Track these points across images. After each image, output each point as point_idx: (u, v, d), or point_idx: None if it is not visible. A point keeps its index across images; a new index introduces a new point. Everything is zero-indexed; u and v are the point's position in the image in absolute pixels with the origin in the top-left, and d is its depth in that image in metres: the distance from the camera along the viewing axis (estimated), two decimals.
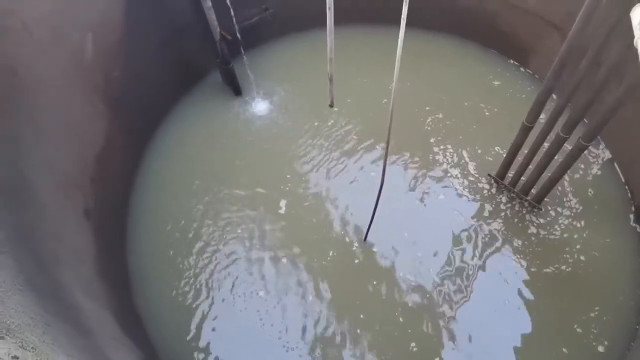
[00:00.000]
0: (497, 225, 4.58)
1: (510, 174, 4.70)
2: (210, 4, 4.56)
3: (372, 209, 3.91)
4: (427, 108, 5.56)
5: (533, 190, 4.56)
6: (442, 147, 5.22)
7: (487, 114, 5.47)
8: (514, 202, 4.71)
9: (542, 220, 4.58)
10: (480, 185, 4.87)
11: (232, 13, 5.00)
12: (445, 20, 6.06)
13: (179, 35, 5.15)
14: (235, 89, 5.66)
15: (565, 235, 4.48)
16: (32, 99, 3.37)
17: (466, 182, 4.89)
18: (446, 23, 6.10)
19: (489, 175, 4.86)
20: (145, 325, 4.10)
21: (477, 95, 5.66)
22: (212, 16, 4.68)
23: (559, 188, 4.76)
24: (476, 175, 4.94)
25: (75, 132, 3.96)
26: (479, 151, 5.15)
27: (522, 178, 4.56)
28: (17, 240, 2.54)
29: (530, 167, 4.36)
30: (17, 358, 1.37)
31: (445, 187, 4.90)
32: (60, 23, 3.74)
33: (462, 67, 5.98)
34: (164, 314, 4.17)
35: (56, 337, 1.98)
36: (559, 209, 4.65)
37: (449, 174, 4.98)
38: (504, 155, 4.51)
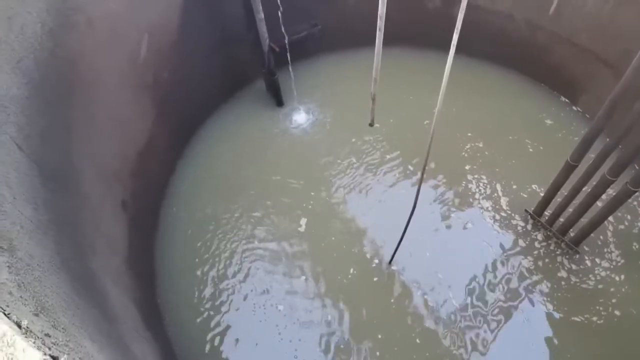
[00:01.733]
0: (527, 262, 4.43)
1: (548, 212, 4.55)
2: (262, 16, 4.70)
3: (397, 230, 3.87)
4: (469, 134, 5.49)
5: (571, 232, 4.39)
6: (476, 176, 5.12)
7: (530, 150, 5.32)
8: (549, 242, 4.54)
9: (574, 266, 4.38)
10: (514, 221, 4.72)
11: (283, 26, 5.13)
12: (496, 50, 6.00)
13: (229, 43, 5.32)
14: (278, 99, 5.77)
15: (600, 287, 4.26)
16: (88, 93, 3.55)
17: (497, 216, 4.77)
18: (496, 53, 6.03)
19: (525, 210, 4.72)
20: (164, 321, 4.17)
21: (524, 130, 5.51)
22: (263, 28, 4.82)
23: (601, 237, 4.55)
24: (508, 211, 4.80)
25: (121, 128, 4.13)
26: (514, 186, 5.01)
27: (560, 219, 4.41)
28: (59, 223, 2.66)
29: (570, 207, 4.21)
30: (49, 336, 1.42)
31: (474, 216, 4.79)
32: (121, 22, 3.94)
33: (511, 100, 5.86)
34: (184, 313, 4.23)
35: (84, 320, 2.04)
36: (597, 260, 4.41)
37: (479, 205, 4.87)
38: (541, 194, 4.38)
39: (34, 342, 1.26)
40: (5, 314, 1.31)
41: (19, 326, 1.30)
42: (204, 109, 5.72)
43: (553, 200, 4.33)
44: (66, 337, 1.59)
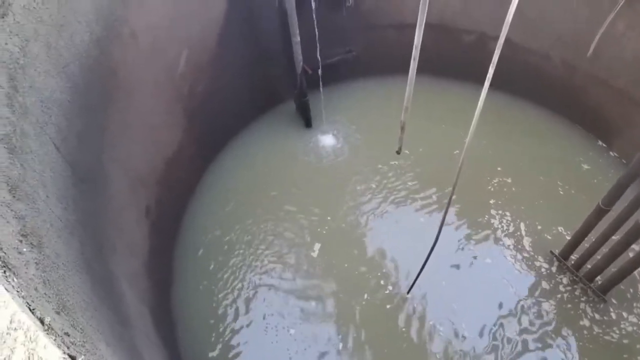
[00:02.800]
0: (548, 306, 4.27)
1: (575, 257, 4.41)
2: (298, 39, 4.81)
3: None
4: (498, 168, 5.41)
5: (598, 280, 4.23)
6: (500, 211, 5.02)
7: (560, 192, 5.17)
8: (575, 286, 4.38)
9: (598, 316, 4.19)
10: (537, 262, 4.58)
11: (318, 50, 5.22)
12: (531, 88, 5.94)
13: (264, 62, 5.45)
14: (307, 120, 5.84)
15: (625, 342, 4.04)
16: (125, 100, 3.67)
17: (519, 255, 4.63)
18: (531, 91, 5.97)
19: (551, 252, 4.59)
20: (176, 329, 4.17)
21: (557, 171, 5.36)
22: (298, 50, 4.92)
23: (631, 290, 4.35)
24: (531, 251, 4.66)
25: (153, 136, 4.24)
26: (539, 227, 4.87)
27: (588, 265, 4.25)
28: (85, 224, 2.72)
29: (598, 254, 4.07)
30: (68, 335, 1.45)
31: (495, 252, 4.68)
32: (163, 36, 4.09)
33: (545, 139, 5.73)
34: (196, 323, 4.23)
35: (100, 322, 2.07)
36: (624, 314, 4.20)
37: (501, 241, 4.76)
38: (567, 237, 4.25)
39: (55, 340, 1.28)
40: (30, 309, 1.34)
41: (42, 322, 1.33)
42: (234, 124, 5.83)
43: (581, 244, 4.19)
44: (83, 337, 1.61)
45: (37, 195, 2.19)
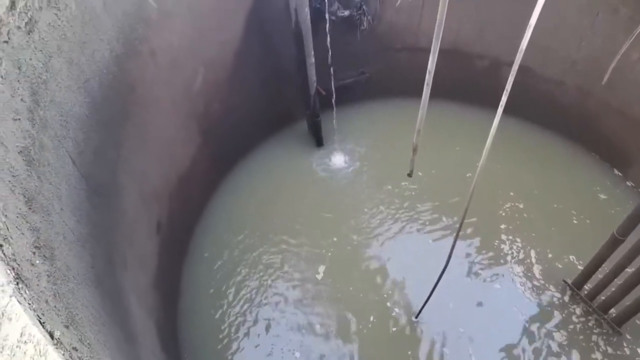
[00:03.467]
0: (559, 336, 4.16)
1: (588, 286, 4.31)
2: (313, 60, 4.88)
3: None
4: (511, 193, 5.35)
5: (613, 312, 4.12)
6: (510, 237, 4.95)
7: (574, 221, 5.07)
8: (589, 317, 4.27)
9: (611, 350, 4.06)
10: (548, 291, 4.48)
11: (331, 72, 5.29)
12: (545, 114, 5.91)
13: (279, 83, 5.53)
14: (318, 140, 5.88)
15: None
16: (142, 116, 3.74)
17: (529, 283, 4.55)
18: (545, 117, 5.93)
19: (564, 281, 4.50)
20: (180, 347, 4.14)
21: (572, 200, 5.25)
22: (312, 71, 4.99)
23: None
24: (541, 280, 4.57)
25: (167, 151, 4.30)
26: (550, 255, 4.78)
27: (602, 296, 4.15)
28: (97, 237, 2.75)
29: (613, 285, 3.98)
30: (76, 350, 1.45)
31: (504, 278, 4.61)
32: (181, 55, 4.19)
33: (561, 166, 5.64)
34: (201, 341, 4.20)
35: (108, 338, 2.07)
36: None
37: (510, 268, 4.68)
38: (579, 267, 4.17)
39: (63, 355, 1.28)
40: (40, 322, 1.35)
41: (52, 336, 1.33)
42: (247, 142, 5.88)
43: (595, 274, 4.11)
44: (90, 352, 1.61)
45: (52, 208, 2.22)
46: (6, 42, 2.19)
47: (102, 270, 2.71)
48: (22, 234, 1.77)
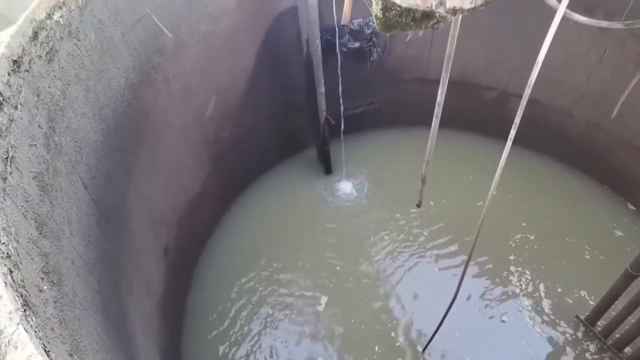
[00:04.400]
0: None
1: (602, 323, 4.20)
2: (323, 90, 4.96)
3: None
4: (523, 224, 5.28)
5: (628, 350, 3.99)
6: (519, 269, 4.86)
7: (587, 256, 4.95)
8: (603, 355, 4.14)
9: None
10: (559, 327, 4.37)
11: (341, 101, 5.36)
12: (555, 145, 5.88)
13: (289, 110, 5.61)
14: (327, 167, 5.91)
15: None
16: (154, 142, 3.80)
17: (539, 317, 4.44)
18: (556, 148, 5.90)
19: (577, 317, 4.38)
20: None
21: (586, 235, 5.12)
22: (322, 101, 5.07)
23: None
24: (551, 315, 4.46)
25: (177, 177, 4.34)
26: (559, 289, 4.68)
27: (616, 333, 4.04)
28: (105, 262, 2.75)
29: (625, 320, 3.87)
30: None
31: (512, 311, 4.52)
32: (194, 83, 4.28)
33: (573, 199, 5.53)
34: None
35: None
36: None
37: (519, 301, 4.58)
38: (591, 302, 4.07)
39: None
40: (45, 351, 1.35)
41: None
42: (256, 168, 5.93)
43: (609, 310, 4.00)
44: None
45: (62, 233, 2.24)
46: (27, 70, 2.27)
47: (108, 295, 2.70)
48: (32, 259, 1.78)
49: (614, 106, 4.54)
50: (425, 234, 5.25)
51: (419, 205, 3.30)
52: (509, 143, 2.36)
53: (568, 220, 5.30)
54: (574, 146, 5.74)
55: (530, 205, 5.50)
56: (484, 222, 2.77)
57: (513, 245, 5.10)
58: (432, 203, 5.52)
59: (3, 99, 2.03)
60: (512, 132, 2.34)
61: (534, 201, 5.55)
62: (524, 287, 4.71)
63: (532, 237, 5.16)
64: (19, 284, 1.55)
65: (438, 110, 2.82)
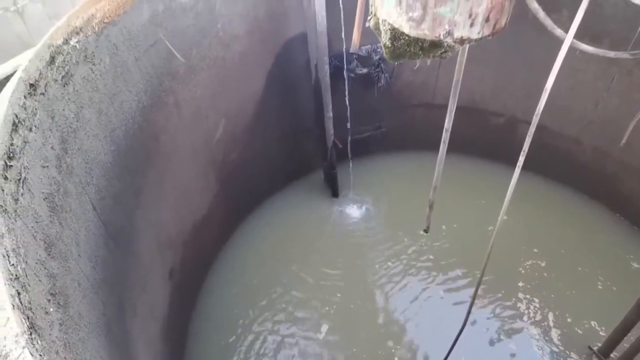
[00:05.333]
0: None
1: (615, 355, 4.08)
2: (331, 114, 5.01)
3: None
4: (534, 250, 5.20)
5: None
6: (528, 296, 4.77)
7: (599, 287, 4.84)
8: None
9: None
10: (570, 358, 4.25)
11: (349, 125, 5.40)
12: (564, 171, 5.84)
13: (297, 134, 5.66)
14: (334, 191, 5.92)
15: None
16: (163, 164, 3.84)
17: (547, 348, 4.33)
18: (565, 174, 5.86)
19: (589, 348, 4.27)
20: None
21: (600, 265, 5.01)
22: (329, 125, 5.11)
23: None
24: (560, 345, 4.34)
25: (186, 198, 4.37)
26: (569, 319, 4.57)
27: None
28: (110, 283, 2.75)
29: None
30: None
31: (521, 341, 4.41)
32: (204, 106, 4.35)
33: (586, 227, 5.45)
34: None
35: None
36: None
37: (527, 330, 4.48)
38: (602, 333, 3.97)
39: None
40: None
41: None
42: (263, 190, 5.94)
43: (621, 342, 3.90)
44: None
45: (70, 254, 2.25)
46: (43, 93, 2.32)
47: (112, 317, 2.68)
48: (40, 280, 1.78)
49: (623, 134, 4.52)
50: (433, 258, 5.19)
51: (426, 231, 3.28)
52: (518, 170, 2.36)
53: (580, 249, 5.21)
54: (583, 173, 5.71)
55: (541, 231, 5.42)
56: (493, 248, 2.74)
57: (523, 271, 5.03)
58: (441, 228, 5.48)
59: (19, 121, 2.07)
60: (521, 159, 2.34)
61: (545, 227, 5.47)
62: (532, 314, 4.61)
63: (542, 264, 5.09)
64: (26, 306, 1.55)
65: (446, 136, 2.83)
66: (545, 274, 5.00)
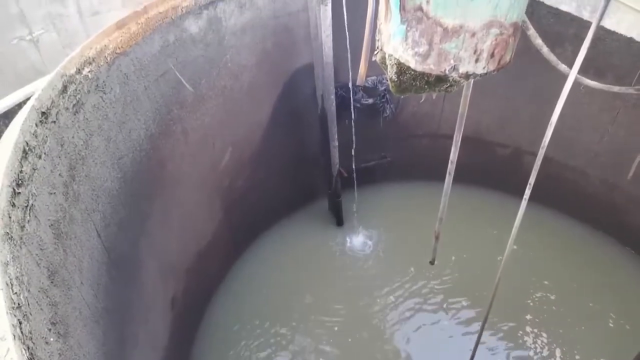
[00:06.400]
0: None
1: None
2: (336, 143, 5.05)
3: None
4: (545, 282, 5.10)
5: None
6: (535, 330, 4.65)
7: (610, 324, 4.72)
8: None
9: None
10: None
11: (354, 155, 5.42)
12: (572, 203, 5.78)
13: (302, 162, 5.69)
14: (339, 219, 5.89)
15: None
16: (169, 191, 3.86)
17: None
18: (573, 207, 5.79)
19: None
20: None
21: (613, 302, 4.88)
22: (335, 154, 5.14)
23: None
24: None
25: (190, 225, 4.36)
26: (577, 357, 4.44)
27: None
28: (112, 312, 2.72)
29: None
30: None
31: None
32: (211, 134, 4.40)
33: (597, 261, 5.32)
34: None
35: None
36: None
37: None
38: None
39: None
40: None
41: None
42: (268, 218, 5.93)
43: None
44: None
45: (73, 281, 2.23)
46: (54, 122, 2.36)
47: (112, 347, 2.64)
48: (41, 309, 1.77)
49: (630, 166, 4.51)
50: (439, 289, 5.11)
51: (432, 263, 3.24)
52: (524, 203, 2.35)
53: (591, 283, 5.09)
54: (591, 205, 5.65)
55: (552, 263, 5.32)
56: (503, 279, 2.70)
57: (531, 304, 4.92)
58: (449, 258, 5.41)
59: (29, 149, 2.10)
60: (527, 192, 2.33)
61: (556, 260, 5.37)
62: (539, 350, 4.49)
63: (552, 297, 4.98)
64: (27, 336, 1.53)
65: (451, 168, 2.84)
66: (554, 308, 4.89)
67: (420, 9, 1.58)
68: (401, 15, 1.63)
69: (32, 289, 1.76)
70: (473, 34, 1.59)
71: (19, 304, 1.58)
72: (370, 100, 5.17)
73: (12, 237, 1.78)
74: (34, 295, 1.77)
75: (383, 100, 5.26)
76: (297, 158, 5.62)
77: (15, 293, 1.60)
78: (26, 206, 1.96)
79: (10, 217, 1.81)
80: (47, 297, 1.87)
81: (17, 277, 1.66)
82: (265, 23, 4.36)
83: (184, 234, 4.28)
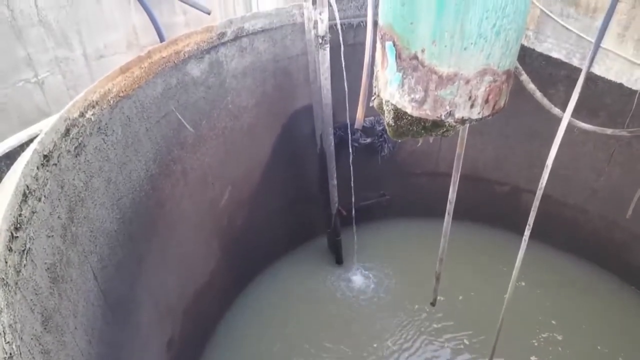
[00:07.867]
0: None
1: None
2: (335, 182, 5.07)
3: None
4: (553, 322, 5.00)
5: None
6: None
7: None
8: None
9: None
10: None
11: (352, 193, 5.44)
12: (572, 241, 5.75)
13: (301, 201, 5.69)
14: (338, 258, 5.84)
15: None
16: (168, 230, 3.84)
17: None
18: (573, 244, 5.76)
19: None
20: None
21: (622, 345, 4.75)
22: (334, 193, 5.16)
23: None
24: None
25: (187, 266, 4.31)
26: None
27: None
28: (106, 357, 2.64)
29: None
30: None
31: None
32: (211, 174, 4.42)
33: (600, 300, 5.25)
34: None
35: None
36: None
37: None
38: None
39: None
40: None
41: None
42: (266, 257, 5.87)
43: None
44: None
45: (67, 327, 2.18)
46: (55, 164, 2.38)
47: None
48: (33, 358, 1.72)
49: (628, 203, 4.53)
50: (441, 328, 4.99)
51: (433, 304, 3.18)
52: (524, 244, 2.34)
53: (599, 325, 4.97)
54: (591, 242, 5.63)
55: (559, 302, 5.23)
56: (508, 318, 2.65)
57: (537, 344, 4.80)
58: (450, 297, 5.31)
59: (29, 192, 2.11)
60: (527, 233, 2.33)
61: (562, 299, 5.28)
62: None
63: (559, 338, 4.85)
64: None
65: (450, 208, 2.84)
66: (560, 349, 4.77)
67: (416, 57, 1.63)
68: (397, 63, 1.68)
69: (24, 336, 1.72)
70: (467, 81, 1.64)
71: (10, 354, 1.54)
72: (369, 140, 5.25)
73: (7, 282, 1.76)
74: (27, 343, 1.73)
75: (381, 139, 5.34)
76: (296, 197, 5.63)
77: (8, 342, 1.56)
78: (23, 250, 1.94)
79: (6, 262, 1.79)
80: (39, 344, 1.82)
81: (10, 325, 1.63)
82: (265, 66, 4.48)
83: (182, 274, 4.22)
